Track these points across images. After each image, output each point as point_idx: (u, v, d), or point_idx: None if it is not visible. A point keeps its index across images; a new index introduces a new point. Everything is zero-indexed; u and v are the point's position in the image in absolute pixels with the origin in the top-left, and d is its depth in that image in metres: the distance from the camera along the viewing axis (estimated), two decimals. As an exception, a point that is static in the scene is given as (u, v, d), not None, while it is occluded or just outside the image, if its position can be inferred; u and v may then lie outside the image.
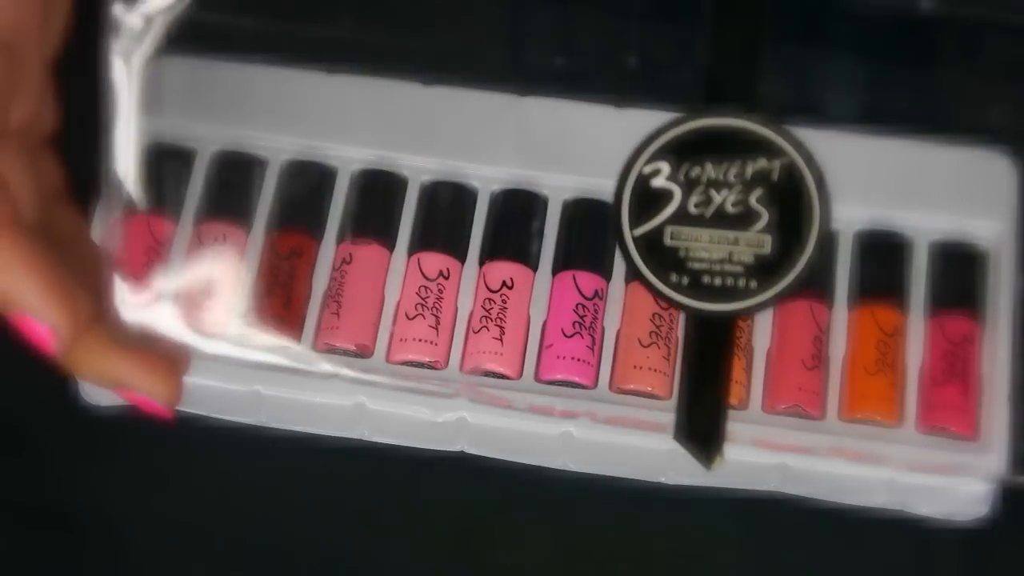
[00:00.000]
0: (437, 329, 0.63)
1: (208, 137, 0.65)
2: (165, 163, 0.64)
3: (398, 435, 0.62)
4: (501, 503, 0.55)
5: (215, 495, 0.56)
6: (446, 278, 0.63)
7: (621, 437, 0.61)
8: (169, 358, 0.52)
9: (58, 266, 0.49)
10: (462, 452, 0.61)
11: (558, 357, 0.62)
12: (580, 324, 0.62)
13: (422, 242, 0.64)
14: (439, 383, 0.61)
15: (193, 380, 0.60)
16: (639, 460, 0.61)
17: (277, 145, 0.65)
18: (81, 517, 0.51)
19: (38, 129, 0.54)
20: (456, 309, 0.63)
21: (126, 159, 0.63)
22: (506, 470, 0.56)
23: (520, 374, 0.62)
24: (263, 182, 0.64)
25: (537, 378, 0.62)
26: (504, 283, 0.63)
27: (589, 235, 0.64)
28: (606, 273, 0.63)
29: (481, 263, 0.63)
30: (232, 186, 0.65)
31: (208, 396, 0.62)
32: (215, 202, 0.64)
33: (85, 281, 0.51)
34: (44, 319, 0.48)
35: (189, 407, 0.61)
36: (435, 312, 0.63)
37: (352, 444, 0.59)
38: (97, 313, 0.51)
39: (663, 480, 0.61)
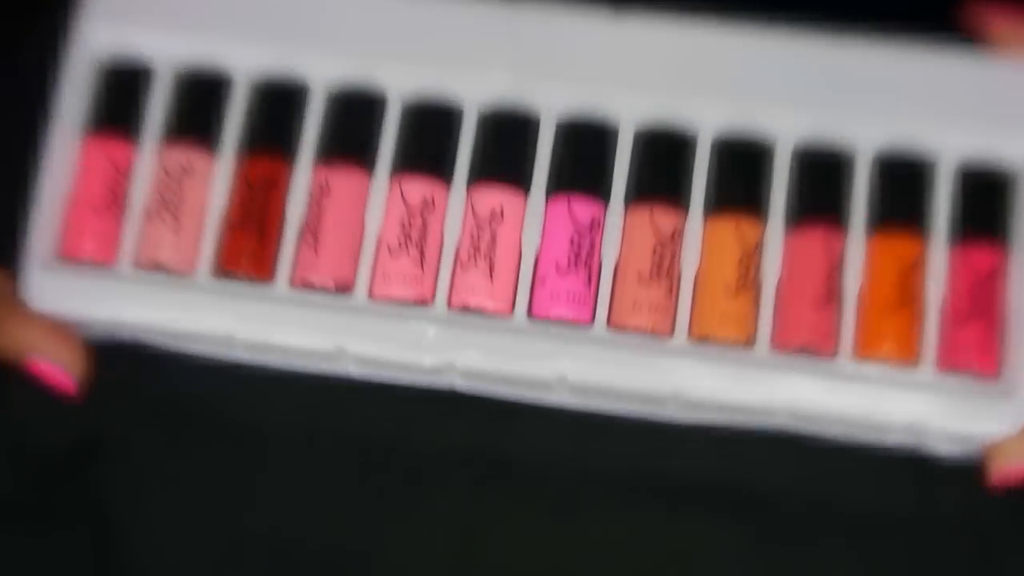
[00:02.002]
0: (422, 264, 0.60)
1: (168, 51, 0.62)
2: (121, 80, 0.62)
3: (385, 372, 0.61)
4: (496, 438, 0.54)
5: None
6: (431, 206, 0.61)
7: (621, 371, 0.59)
8: (70, 328, 0.53)
9: None
10: (452, 389, 0.60)
11: (553, 294, 0.60)
12: (576, 257, 0.60)
13: (404, 165, 0.61)
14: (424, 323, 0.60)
15: (166, 316, 0.58)
16: (640, 394, 0.59)
17: (244, 59, 0.62)
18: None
19: None
20: (442, 241, 0.61)
21: (77, 75, 0.60)
22: (500, 405, 0.54)
23: (512, 311, 0.60)
24: (229, 102, 0.61)
25: (530, 315, 0.60)
26: (493, 211, 0.61)
27: (585, 157, 0.61)
28: (604, 198, 0.61)
29: (468, 187, 0.62)
30: (196, 106, 0.61)
31: (183, 335, 0.60)
32: (178, 125, 0.61)
33: None
34: None
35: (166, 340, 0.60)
36: (420, 245, 0.61)
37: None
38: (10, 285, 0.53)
39: (667, 414, 0.59)
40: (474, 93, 0.61)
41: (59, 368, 0.59)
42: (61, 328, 0.59)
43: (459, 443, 0.51)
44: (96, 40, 0.61)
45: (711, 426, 0.50)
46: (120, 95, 0.61)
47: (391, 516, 0.51)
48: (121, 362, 0.59)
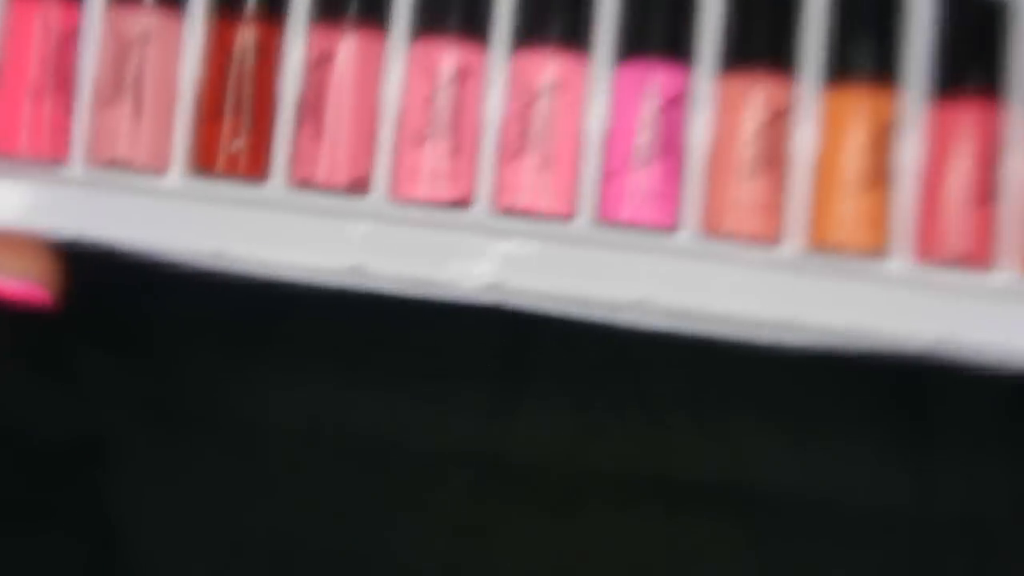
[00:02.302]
0: (457, 154, 0.48)
1: None
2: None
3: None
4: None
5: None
6: (466, 77, 0.48)
7: (717, 291, 0.47)
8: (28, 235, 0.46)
9: None
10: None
11: (627, 190, 0.47)
12: (656, 143, 0.47)
13: (429, 23, 0.48)
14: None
15: (132, 229, 0.46)
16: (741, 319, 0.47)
17: None
18: None
19: None
20: (481, 123, 0.48)
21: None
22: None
23: (574, 213, 0.48)
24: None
25: (598, 218, 0.48)
26: (547, 82, 0.48)
27: (665, 7, 0.48)
28: (688, 63, 0.48)
29: (513, 51, 0.48)
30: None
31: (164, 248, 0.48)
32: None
33: None
34: None
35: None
36: (453, 129, 0.48)
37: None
38: None
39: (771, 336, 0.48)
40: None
41: (22, 282, 0.47)
42: (16, 236, 0.47)
43: (459, 442, 0.47)
44: None
45: (710, 422, 0.47)
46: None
47: (391, 515, 0.47)
48: (91, 272, 0.48)
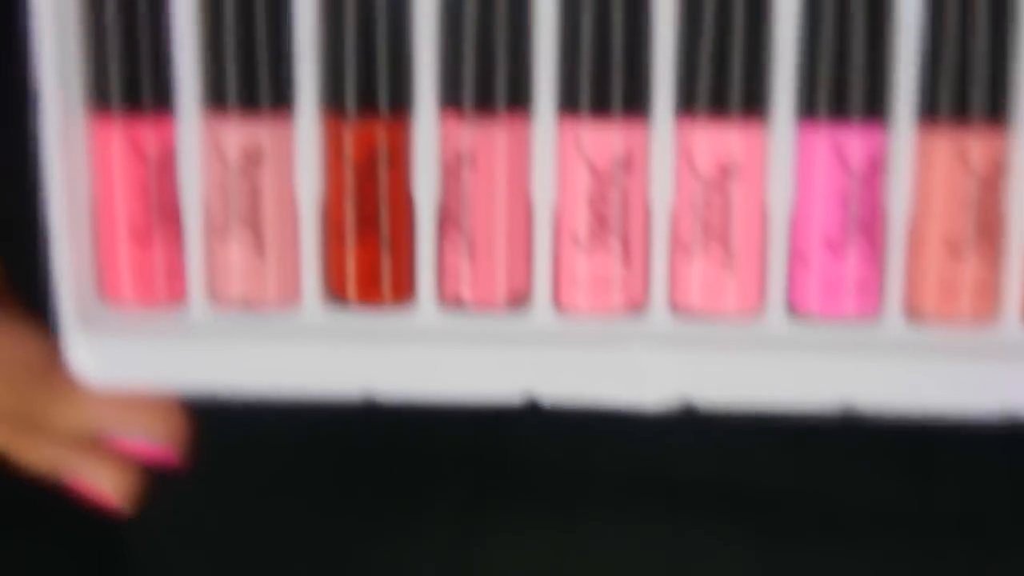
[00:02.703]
0: (630, 258, 0.42)
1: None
2: (121, 10, 0.41)
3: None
4: None
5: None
6: (628, 168, 0.42)
7: (931, 385, 0.42)
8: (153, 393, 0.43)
9: None
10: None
11: (823, 279, 0.42)
12: (852, 223, 0.42)
13: (576, 99, 0.41)
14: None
15: (266, 375, 0.41)
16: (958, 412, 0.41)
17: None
18: None
19: None
20: (649, 212, 0.42)
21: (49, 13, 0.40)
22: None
23: (763, 309, 0.42)
24: (297, 30, 0.40)
25: (790, 312, 0.42)
26: (726, 169, 0.42)
27: (847, 56, 0.41)
28: (883, 120, 0.42)
29: (677, 121, 0.42)
30: (249, 43, 0.41)
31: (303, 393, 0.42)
32: (226, 78, 0.41)
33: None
34: None
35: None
36: (620, 226, 0.42)
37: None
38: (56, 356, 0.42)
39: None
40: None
41: (149, 442, 0.43)
42: (131, 396, 0.42)
43: (457, 446, 0.46)
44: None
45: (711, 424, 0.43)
46: (127, 38, 0.41)
47: (388, 525, 0.46)
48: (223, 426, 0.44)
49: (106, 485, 0.42)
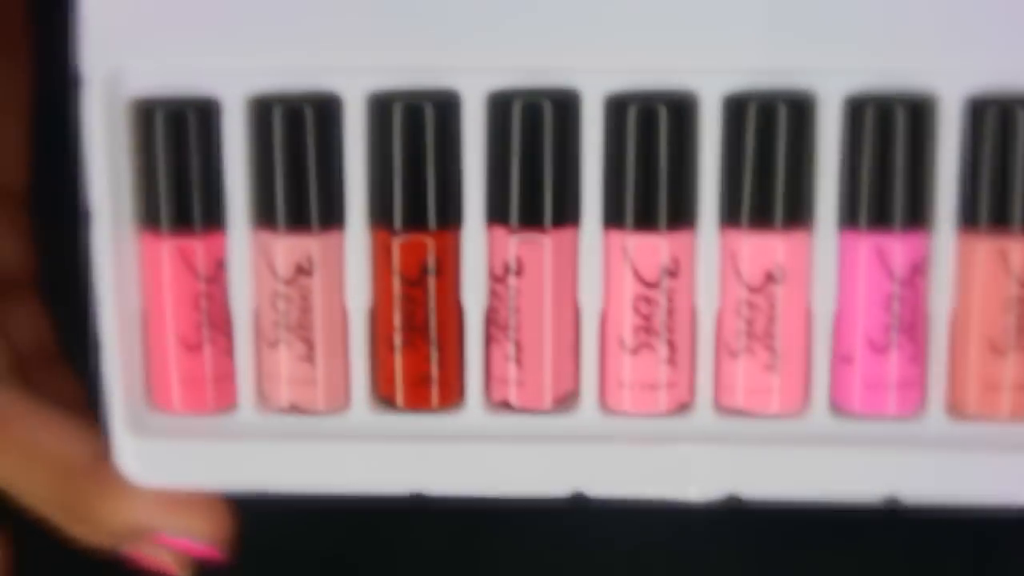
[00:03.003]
0: (676, 361, 0.43)
1: (238, 73, 0.41)
2: (171, 131, 0.42)
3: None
4: None
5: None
6: (674, 275, 0.43)
7: (975, 480, 0.43)
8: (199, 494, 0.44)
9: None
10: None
11: (867, 379, 0.43)
12: (896, 321, 0.43)
13: (628, 214, 0.42)
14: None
15: (316, 476, 0.42)
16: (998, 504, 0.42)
17: (360, 76, 0.41)
18: None
19: (4, 273, 0.45)
20: (695, 316, 0.43)
21: (100, 133, 0.41)
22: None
23: (807, 408, 0.43)
24: (342, 141, 0.42)
25: (835, 408, 0.43)
26: (771, 275, 0.42)
27: (890, 161, 0.42)
28: (924, 225, 0.42)
29: (722, 230, 0.43)
30: (297, 158, 0.42)
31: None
32: (274, 193, 0.42)
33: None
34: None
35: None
36: (670, 334, 0.43)
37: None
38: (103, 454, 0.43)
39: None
40: (711, 81, 0.41)
41: (193, 542, 0.44)
42: (177, 496, 0.43)
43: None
44: (115, 69, 0.40)
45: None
46: (175, 155, 0.41)
47: None
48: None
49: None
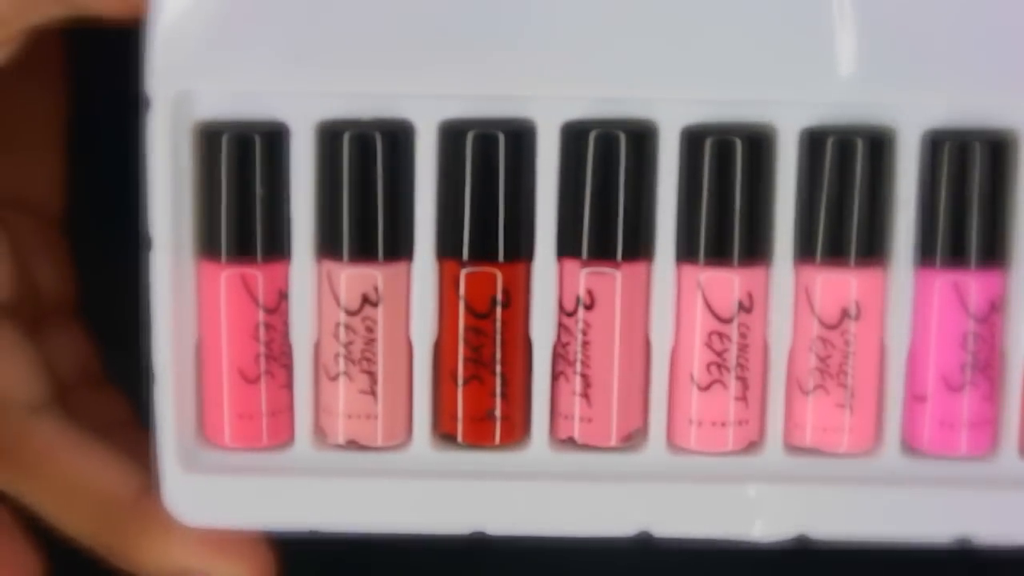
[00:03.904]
0: (746, 398, 0.43)
1: (306, 100, 0.41)
2: (236, 158, 0.42)
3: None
4: None
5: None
6: (748, 311, 0.43)
7: None
8: (246, 535, 0.44)
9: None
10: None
11: (942, 419, 0.43)
12: (972, 366, 0.43)
13: (695, 246, 0.43)
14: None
15: (375, 516, 0.42)
16: None
17: (423, 94, 0.41)
18: None
19: (44, 299, 0.46)
20: (768, 356, 0.44)
21: (164, 160, 0.41)
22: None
23: (878, 447, 0.44)
24: (412, 170, 0.42)
25: (907, 447, 0.44)
26: (846, 312, 0.43)
27: (974, 194, 0.43)
28: (1002, 263, 0.43)
29: (796, 266, 0.43)
30: (365, 187, 0.42)
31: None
32: (340, 222, 0.41)
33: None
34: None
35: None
36: (741, 371, 0.43)
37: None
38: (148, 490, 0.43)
39: None
40: (789, 114, 0.42)
41: None
42: (223, 539, 0.43)
43: None
44: (183, 93, 0.40)
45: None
46: (239, 181, 0.41)
47: None
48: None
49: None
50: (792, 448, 0.43)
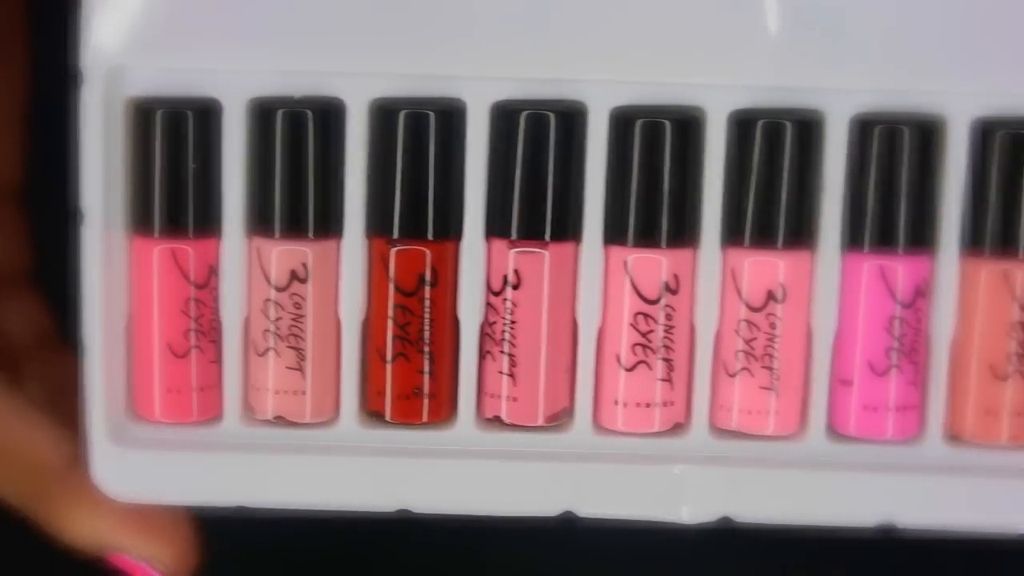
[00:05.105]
0: (672, 379, 0.46)
1: (238, 75, 0.43)
2: (170, 132, 0.44)
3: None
4: None
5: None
6: (674, 292, 0.46)
7: (970, 507, 0.46)
8: (169, 514, 0.46)
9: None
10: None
11: (866, 402, 0.46)
12: (898, 350, 0.46)
13: (623, 227, 0.45)
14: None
15: (302, 492, 0.44)
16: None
17: (354, 73, 0.44)
18: None
19: None
20: (694, 337, 0.46)
21: (95, 133, 0.43)
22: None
23: (804, 430, 0.47)
24: (343, 148, 0.44)
25: (832, 431, 0.46)
26: (771, 294, 0.46)
27: (903, 179, 0.46)
28: (929, 249, 0.46)
29: (724, 249, 0.46)
30: (295, 162, 0.44)
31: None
32: (271, 198, 0.44)
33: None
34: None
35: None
36: (667, 352, 0.46)
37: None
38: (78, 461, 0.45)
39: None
40: (718, 97, 0.44)
41: (147, 565, 0.46)
42: (145, 517, 0.45)
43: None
44: (115, 69, 0.43)
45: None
46: (172, 157, 0.44)
47: None
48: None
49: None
50: (718, 430, 0.45)
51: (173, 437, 0.45)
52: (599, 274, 0.44)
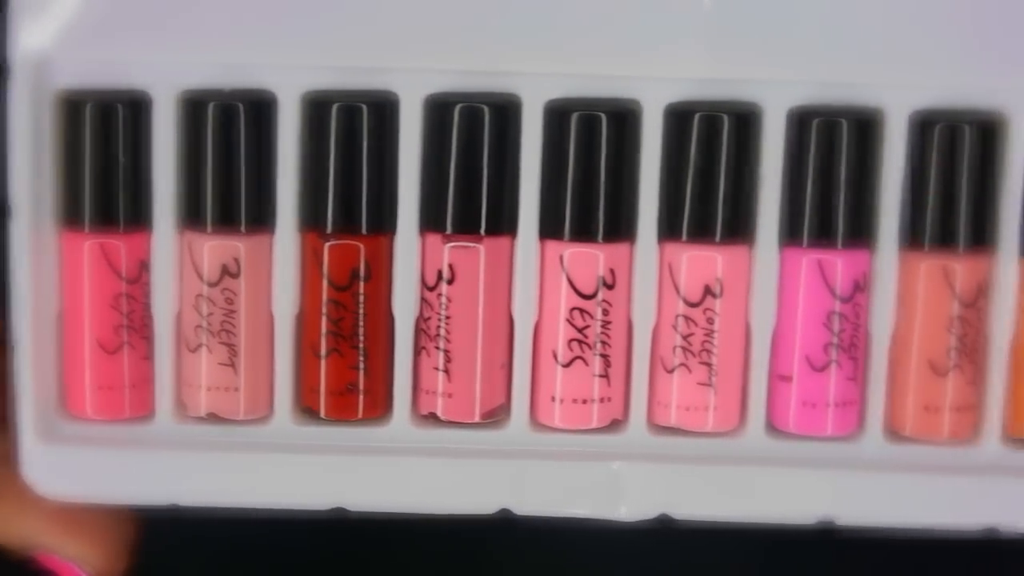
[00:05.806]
0: (609, 375, 0.47)
1: (169, 68, 0.45)
2: (100, 126, 0.45)
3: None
4: None
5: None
6: (610, 287, 0.47)
7: (910, 503, 0.47)
8: (101, 514, 0.47)
9: None
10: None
11: (804, 399, 0.47)
12: (836, 346, 0.47)
13: (559, 222, 0.46)
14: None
15: (234, 490, 0.45)
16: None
17: (286, 65, 0.45)
18: None
19: None
20: (631, 332, 0.47)
21: (24, 126, 0.44)
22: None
23: (742, 426, 0.47)
24: (275, 141, 0.45)
25: (771, 427, 0.47)
26: (709, 289, 0.47)
27: (832, 178, 0.46)
28: (868, 243, 0.47)
29: (661, 243, 0.47)
30: (227, 156, 0.45)
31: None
32: (203, 192, 0.45)
33: None
34: None
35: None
36: (604, 348, 0.47)
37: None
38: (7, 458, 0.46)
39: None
40: (655, 90, 0.45)
41: (76, 565, 0.47)
42: (74, 517, 0.46)
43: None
44: (43, 60, 0.44)
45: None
46: (102, 150, 0.44)
47: None
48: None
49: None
50: (656, 427, 0.46)
51: (104, 434, 0.46)
52: (535, 269, 0.45)
